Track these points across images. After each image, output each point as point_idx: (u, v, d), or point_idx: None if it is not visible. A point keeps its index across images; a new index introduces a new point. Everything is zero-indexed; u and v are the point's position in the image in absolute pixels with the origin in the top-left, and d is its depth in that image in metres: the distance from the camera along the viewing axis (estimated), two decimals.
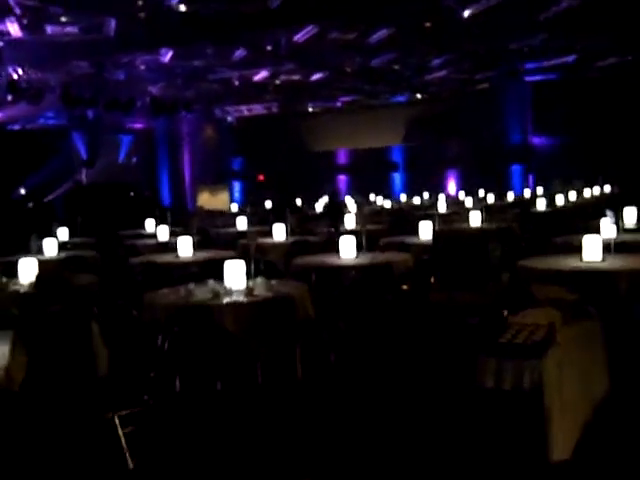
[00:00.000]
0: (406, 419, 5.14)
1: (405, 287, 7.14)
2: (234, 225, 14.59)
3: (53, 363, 4.39)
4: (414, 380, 5.89)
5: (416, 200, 21.96)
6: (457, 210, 16.63)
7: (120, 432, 4.33)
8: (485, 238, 6.44)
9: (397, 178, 28.67)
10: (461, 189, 25.00)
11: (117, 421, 4.32)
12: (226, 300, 6.18)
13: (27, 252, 10.13)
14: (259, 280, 6.96)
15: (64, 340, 4.44)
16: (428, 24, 15.19)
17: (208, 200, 26.68)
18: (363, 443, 4.82)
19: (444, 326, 5.14)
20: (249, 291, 6.41)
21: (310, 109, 27.72)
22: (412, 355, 6.35)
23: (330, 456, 4.64)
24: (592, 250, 7.06)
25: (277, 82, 21.31)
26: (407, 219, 15.25)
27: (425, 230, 10.11)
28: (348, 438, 4.91)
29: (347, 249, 8.46)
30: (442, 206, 17.18)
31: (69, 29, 13.80)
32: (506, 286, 5.08)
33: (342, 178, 29.61)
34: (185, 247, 9.68)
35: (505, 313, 4.47)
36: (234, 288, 6.51)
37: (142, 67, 17.96)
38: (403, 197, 24.06)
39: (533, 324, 4.15)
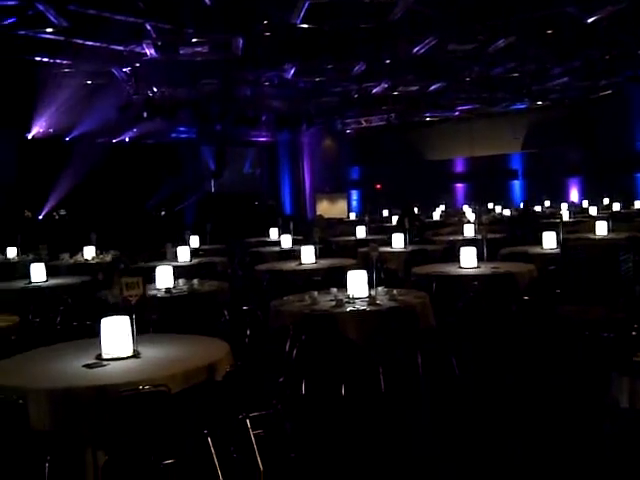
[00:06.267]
0: (535, 433, 5.13)
1: (528, 298, 7.06)
2: (353, 233, 14.87)
3: None
4: (542, 394, 5.85)
5: (537, 208, 21.41)
6: (582, 219, 16.15)
7: (251, 433, 4.59)
8: (615, 248, 6.24)
9: (516, 186, 28.00)
10: (584, 197, 24.14)
11: (249, 423, 4.60)
12: (349, 308, 6.39)
13: (162, 259, 10.84)
14: (381, 289, 7.13)
15: None
16: (550, 31, 14.84)
17: (327, 209, 27.18)
18: (486, 457, 4.86)
19: (573, 340, 5.06)
20: (371, 300, 6.60)
21: (428, 119, 27.64)
22: (539, 369, 6.30)
23: (448, 466, 4.73)
24: None
25: (395, 93, 21.44)
26: (528, 228, 14.95)
27: (549, 240, 9.92)
28: (468, 451, 4.96)
29: (468, 258, 8.48)
30: (565, 214, 16.70)
31: (200, 49, 14.57)
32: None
33: (459, 186, 29.29)
34: (308, 255, 10.03)
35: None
36: (357, 296, 6.73)
37: (267, 83, 18.65)
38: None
39: None
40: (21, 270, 10.31)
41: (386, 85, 20.01)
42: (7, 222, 17.05)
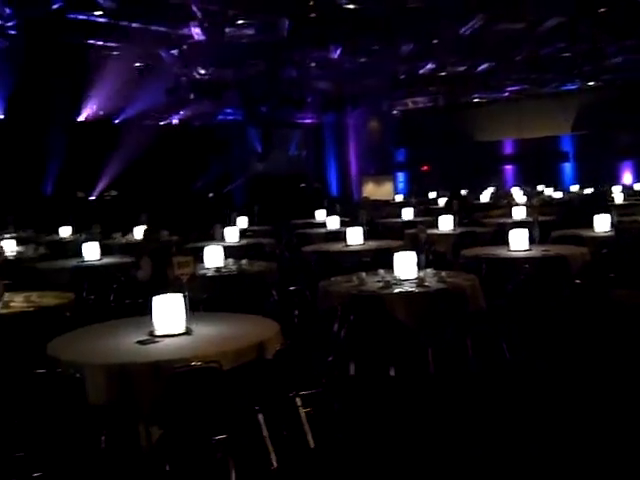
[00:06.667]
0: (588, 420, 5.06)
1: (580, 282, 6.93)
2: (399, 215, 14.80)
3: None
4: (594, 380, 5.76)
5: (588, 191, 20.94)
6: (635, 201, 15.80)
7: (301, 411, 4.63)
8: None
9: (567, 168, 27.41)
10: (637, 180, 23.50)
11: (299, 401, 4.62)
12: (397, 290, 6.37)
13: (211, 239, 10.96)
14: (429, 271, 7.08)
15: None
16: (603, 10, 14.41)
17: (373, 190, 27.05)
18: (537, 442, 4.81)
19: (626, 325, 4.95)
20: (420, 281, 6.56)
21: (476, 99, 27.21)
22: (591, 354, 6.20)
23: (501, 452, 4.68)
24: None
25: (443, 74, 21.16)
26: (579, 211, 14.67)
27: (602, 222, 9.71)
28: (519, 435, 4.91)
29: (518, 241, 8.36)
30: (619, 197, 16.32)
31: (246, 30, 14.60)
32: None
33: (508, 168, 28.83)
34: (355, 236, 10.02)
35: None
36: (404, 278, 6.69)
37: (312, 64, 18.58)
38: (574, 188, 23.02)
39: None
40: (74, 249, 10.54)
41: (433, 65, 19.75)
42: (60, 203, 17.46)
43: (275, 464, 4.29)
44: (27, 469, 4.16)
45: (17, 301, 6.33)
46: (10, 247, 10.67)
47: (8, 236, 12.69)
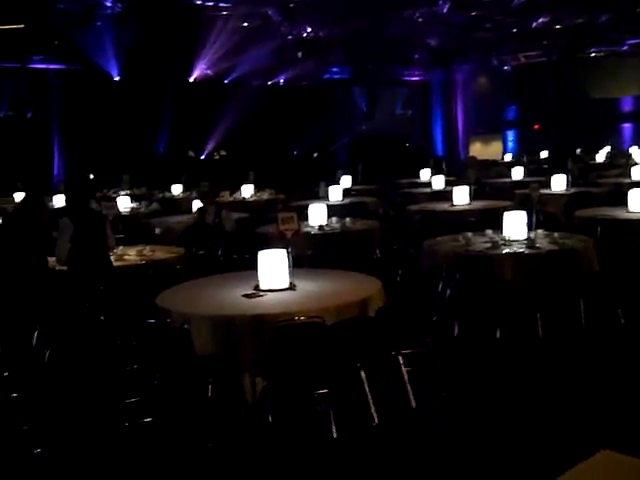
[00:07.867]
0: None
1: None
2: (508, 175, 14.33)
3: None
4: None
5: None
6: None
7: (403, 370, 4.59)
8: None
9: None
10: None
11: (401, 360, 4.59)
12: (506, 251, 6.17)
13: (315, 197, 11.02)
14: (540, 232, 6.82)
15: None
16: None
17: (480, 150, 26.30)
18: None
19: None
20: (530, 242, 6.33)
21: (592, 54, 25.71)
22: None
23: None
24: None
25: (558, 27, 20.08)
26: None
27: None
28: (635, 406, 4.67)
29: (637, 202, 7.91)
30: None
31: None
32: None
33: (627, 127, 27.20)
34: (461, 196, 9.80)
35: None
36: (514, 239, 6.47)
37: (420, 20, 18.08)
38: None
39: None
40: (185, 206, 10.89)
41: (547, 18, 18.77)
42: (172, 162, 18.04)
43: (376, 420, 4.29)
44: (137, 415, 4.37)
45: (130, 254, 6.61)
46: (125, 203, 11.13)
47: (123, 193, 13.27)
